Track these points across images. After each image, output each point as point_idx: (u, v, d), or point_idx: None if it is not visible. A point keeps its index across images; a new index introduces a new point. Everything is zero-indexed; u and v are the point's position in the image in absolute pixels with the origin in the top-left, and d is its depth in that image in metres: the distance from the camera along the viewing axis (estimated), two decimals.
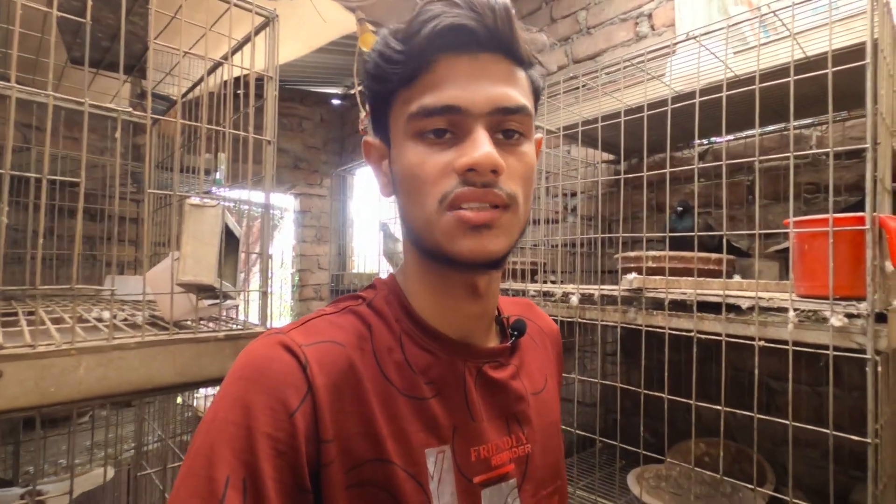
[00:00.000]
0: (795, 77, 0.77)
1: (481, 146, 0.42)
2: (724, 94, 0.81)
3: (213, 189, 1.84)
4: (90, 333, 0.59)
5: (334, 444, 0.41)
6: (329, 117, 3.49)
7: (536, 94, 0.50)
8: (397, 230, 2.10)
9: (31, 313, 0.97)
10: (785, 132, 1.45)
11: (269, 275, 0.74)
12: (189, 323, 0.68)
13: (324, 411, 0.41)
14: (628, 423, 1.64)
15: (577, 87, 1.26)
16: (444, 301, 0.50)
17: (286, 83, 3.21)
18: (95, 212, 1.47)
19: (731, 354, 0.84)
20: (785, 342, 0.75)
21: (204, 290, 0.64)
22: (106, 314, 0.71)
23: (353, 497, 0.42)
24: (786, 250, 1.34)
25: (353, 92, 2.28)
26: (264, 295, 0.71)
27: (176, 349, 0.59)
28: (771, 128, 1.47)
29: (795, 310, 0.74)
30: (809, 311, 0.74)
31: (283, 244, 3.45)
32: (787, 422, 0.75)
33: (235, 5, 0.67)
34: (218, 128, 0.73)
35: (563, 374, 0.73)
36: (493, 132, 0.44)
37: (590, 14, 1.96)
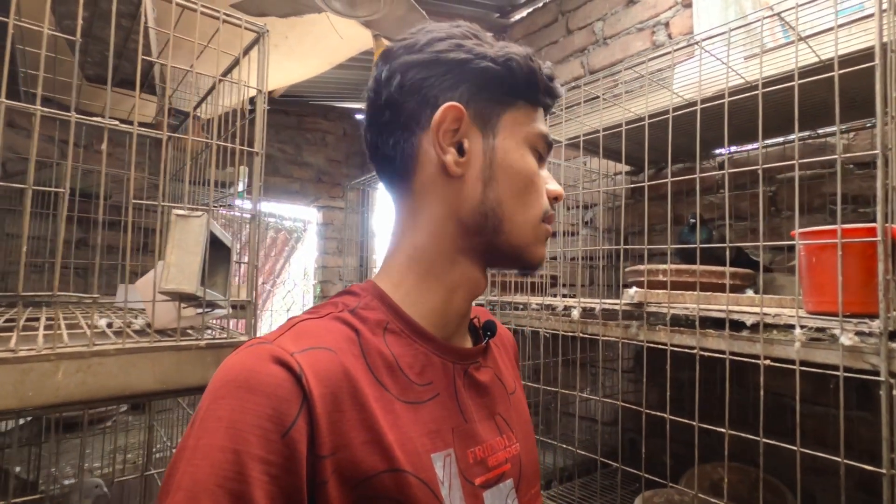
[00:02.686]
0: (800, 81, 0.73)
1: (558, 183, 0.53)
2: (726, 100, 0.78)
3: (235, 202, 1.90)
4: (78, 339, 0.61)
5: (332, 459, 0.39)
6: (352, 131, 3.56)
7: None
8: None
9: (50, 319, 1.01)
10: (809, 140, 1.39)
11: (256, 286, 0.74)
12: (171, 332, 0.70)
13: (320, 424, 0.38)
14: (643, 444, 1.58)
15: (580, 101, 1.24)
16: (447, 299, 0.50)
17: (310, 99, 3.29)
18: (120, 223, 1.54)
19: (753, 375, 0.79)
20: (792, 362, 0.71)
21: (187, 299, 0.65)
22: (102, 322, 0.73)
23: None
24: None
25: None
26: (248, 305, 0.72)
27: (156, 357, 0.60)
28: (792, 136, 1.40)
29: (803, 327, 0.69)
30: (818, 328, 0.69)
31: (307, 256, 3.51)
32: (793, 447, 0.70)
33: (225, 21, 0.69)
34: (207, 140, 0.75)
35: (568, 391, 0.71)
36: None
37: (606, 24, 1.94)
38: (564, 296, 1.53)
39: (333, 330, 0.45)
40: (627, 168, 1.77)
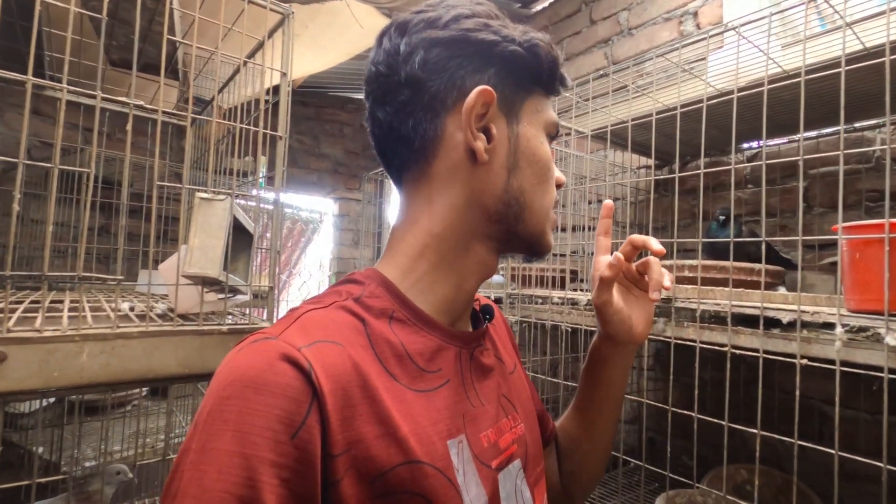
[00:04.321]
0: (848, 68, 0.69)
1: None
2: (766, 87, 0.75)
3: (255, 191, 1.89)
4: (102, 322, 0.61)
5: (344, 457, 0.37)
6: None
7: None
8: None
9: (74, 302, 1.02)
10: (844, 134, 1.33)
11: (277, 272, 0.73)
12: (193, 317, 0.69)
13: (332, 422, 0.37)
14: (663, 442, 1.55)
15: (608, 91, 1.21)
16: (457, 284, 0.50)
17: (328, 89, 3.29)
18: (143, 210, 1.55)
19: (779, 375, 0.76)
20: (831, 362, 0.67)
21: (210, 284, 0.64)
22: (125, 305, 0.73)
23: None
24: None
25: None
26: (270, 291, 0.71)
27: (179, 340, 0.59)
28: (828, 130, 1.35)
29: (844, 326, 0.66)
30: (860, 327, 0.66)
31: (322, 247, 3.52)
32: (832, 451, 0.67)
33: (251, 2, 0.68)
34: (230, 124, 0.74)
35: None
36: None
37: (632, 14, 1.89)
38: (586, 290, 1.50)
39: (339, 320, 0.43)
40: (651, 162, 1.73)
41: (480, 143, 0.47)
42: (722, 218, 1.22)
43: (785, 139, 1.44)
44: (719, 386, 1.07)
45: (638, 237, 0.58)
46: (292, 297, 3.55)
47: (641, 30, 1.85)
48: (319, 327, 0.41)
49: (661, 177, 0.99)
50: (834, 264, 1.22)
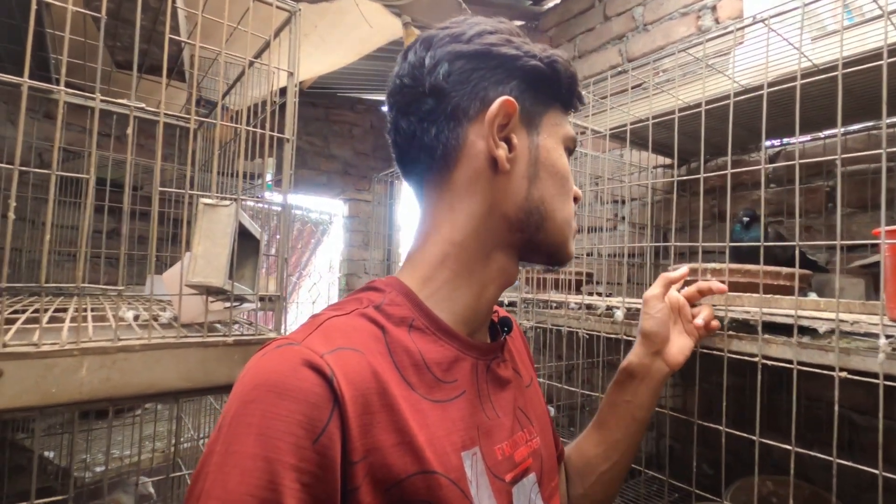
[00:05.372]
0: (890, 60, 0.65)
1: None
2: (798, 83, 0.70)
3: (263, 194, 1.88)
4: (104, 333, 0.59)
5: (363, 464, 0.37)
6: (379, 124, 3.53)
7: None
8: None
9: (78, 310, 1.00)
10: (873, 131, 1.28)
11: (285, 279, 0.71)
12: (198, 327, 0.67)
13: (352, 429, 0.37)
14: (684, 451, 1.50)
15: (627, 87, 1.17)
16: (478, 293, 0.50)
17: (337, 90, 3.27)
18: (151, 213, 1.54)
19: (804, 382, 0.72)
20: (873, 375, 0.63)
21: (215, 293, 0.62)
22: (129, 314, 0.71)
23: None
24: (875, 265, 1.17)
25: None
26: (277, 300, 0.68)
27: (182, 353, 0.56)
28: (856, 126, 1.30)
29: (888, 336, 0.62)
30: None
31: (332, 248, 3.51)
32: (875, 471, 0.63)
33: (257, 0, 0.65)
34: (236, 126, 0.72)
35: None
36: None
37: (647, 10, 1.84)
38: (600, 294, 1.46)
39: (360, 328, 0.44)
40: (666, 161, 1.68)
41: (502, 152, 0.48)
42: (746, 219, 1.18)
43: (808, 136, 1.39)
44: (739, 392, 1.02)
45: (704, 284, 0.72)
46: (302, 298, 3.54)
47: (657, 25, 1.80)
48: (341, 334, 0.42)
49: (685, 177, 0.94)
50: (864, 267, 1.17)
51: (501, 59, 0.49)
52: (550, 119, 0.52)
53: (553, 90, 0.52)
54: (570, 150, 0.55)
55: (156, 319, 0.72)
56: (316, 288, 3.45)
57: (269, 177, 2.46)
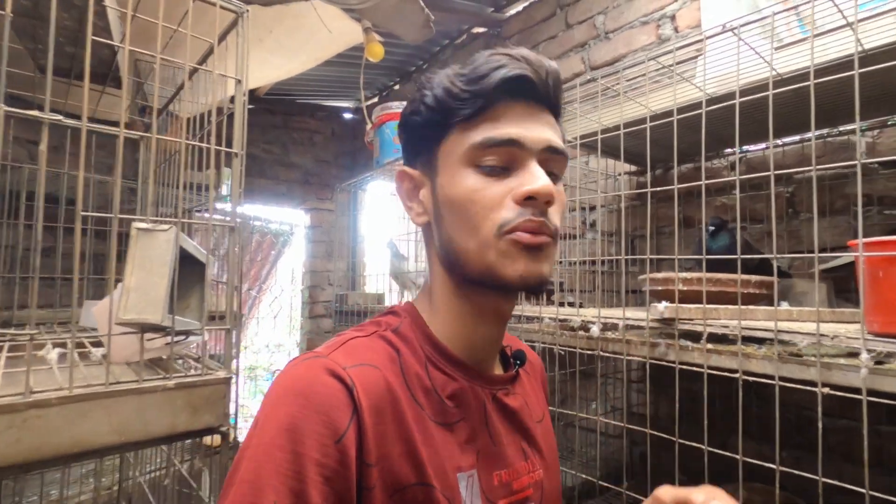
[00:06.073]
0: (861, 70, 0.64)
1: (540, 177, 0.46)
2: (771, 92, 0.69)
3: (218, 206, 1.77)
4: (15, 382, 0.50)
5: (377, 467, 0.42)
6: (340, 131, 3.44)
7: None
8: (404, 249, 2.00)
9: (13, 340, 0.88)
10: (828, 139, 1.31)
11: (236, 306, 0.63)
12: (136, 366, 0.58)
13: (368, 434, 0.41)
14: (658, 461, 1.49)
15: (596, 93, 1.15)
16: (472, 327, 0.52)
17: (296, 97, 3.17)
18: (102, 232, 1.40)
19: (770, 390, 0.70)
20: (856, 390, 0.62)
21: (152, 330, 0.54)
22: (54, 353, 0.61)
23: None
24: (837, 269, 1.19)
25: (363, 106, 2.20)
26: (228, 333, 0.60)
27: (113, 403, 0.48)
28: (810, 134, 1.33)
29: (870, 352, 0.60)
30: (889, 353, 0.60)
31: (294, 260, 3.38)
32: (860, 489, 0.61)
33: (198, 0, 0.58)
34: (173, 139, 0.64)
35: (588, 416, 0.66)
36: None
37: (608, 18, 1.85)
38: (571, 304, 1.44)
39: (377, 348, 0.48)
40: (630, 168, 1.69)
41: (412, 212, 0.53)
42: (712, 228, 1.18)
43: (764, 145, 1.42)
44: (693, 398, 1.01)
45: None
46: (263, 313, 3.39)
47: (618, 34, 1.81)
48: (361, 352, 0.47)
49: (659, 189, 0.93)
50: (827, 271, 1.19)
51: (403, 129, 0.54)
52: (445, 150, 0.50)
53: (442, 119, 0.49)
54: (486, 160, 0.47)
55: (86, 357, 0.63)
56: (277, 302, 3.31)
57: (225, 189, 2.33)
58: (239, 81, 0.61)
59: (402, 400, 0.45)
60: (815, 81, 0.64)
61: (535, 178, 0.46)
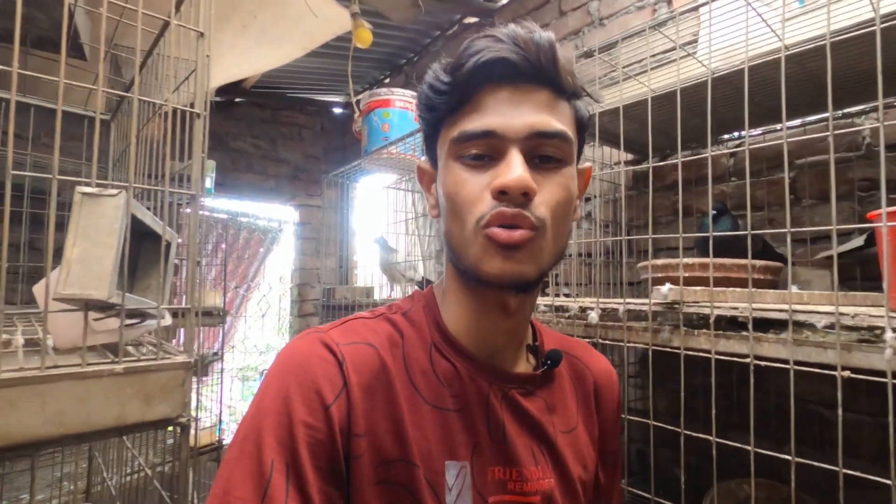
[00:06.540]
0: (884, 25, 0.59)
1: (514, 169, 0.44)
2: (783, 56, 0.64)
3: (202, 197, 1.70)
4: None
5: (365, 438, 0.44)
6: (330, 126, 3.37)
7: (581, 123, 0.51)
8: (393, 242, 1.93)
9: None
10: (835, 121, 1.27)
11: (198, 289, 0.57)
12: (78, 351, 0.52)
13: (357, 407, 0.44)
14: (657, 456, 1.44)
15: (594, 76, 1.10)
16: (477, 318, 0.51)
17: (286, 90, 3.10)
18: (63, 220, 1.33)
19: (773, 379, 0.65)
20: (880, 373, 0.57)
21: (99, 308, 0.48)
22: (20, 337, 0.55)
23: (381, 493, 0.44)
24: (841, 255, 1.15)
25: (351, 94, 2.14)
26: (188, 313, 0.54)
27: (49, 389, 0.42)
28: (812, 118, 1.29)
29: (895, 330, 0.55)
30: None
31: (283, 257, 3.30)
32: (887, 481, 0.56)
33: None
34: (128, 95, 0.58)
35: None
36: (529, 157, 0.46)
37: (602, 4, 1.81)
38: (567, 295, 1.39)
39: (378, 329, 0.51)
40: (628, 157, 1.64)
41: (429, 203, 0.54)
42: (714, 212, 1.13)
43: (760, 130, 1.37)
44: (707, 393, 0.96)
45: None
46: (251, 312, 3.32)
47: (613, 20, 1.77)
48: (359, 331, 0.50)
49: (659, 163, 0.87)
50: (829, 258, 1.14)
51: (419, 110, 0.53)
52: (442, 143, 0.50)
53: (437, 109, 0.49)
54: (467, 152, 0.46)
55: (35, 343, 0.56)
56: (266, 300, 3.23)
57: (208, 182, 2.25)
58: (202, 34, 0.55)
59: (396, 380, 0.47)
60: (832, 39, 0.59)
61: (509, 170, 0.44)
